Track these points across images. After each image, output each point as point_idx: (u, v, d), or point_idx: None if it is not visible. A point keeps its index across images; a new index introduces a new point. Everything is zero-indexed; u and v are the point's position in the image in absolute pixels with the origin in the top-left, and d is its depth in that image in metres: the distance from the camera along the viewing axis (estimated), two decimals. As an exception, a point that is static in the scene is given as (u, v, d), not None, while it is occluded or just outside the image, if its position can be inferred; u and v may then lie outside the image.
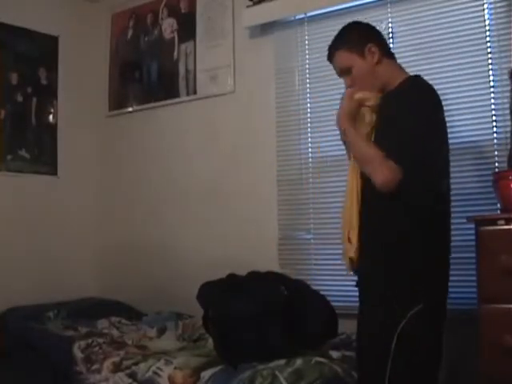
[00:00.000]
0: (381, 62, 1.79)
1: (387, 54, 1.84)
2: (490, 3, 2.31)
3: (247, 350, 1.99)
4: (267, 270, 2.22)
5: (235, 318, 2.00)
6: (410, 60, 2.48)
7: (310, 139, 2.77)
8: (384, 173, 1.60)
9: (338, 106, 2.20)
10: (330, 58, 1.88)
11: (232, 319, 2.01)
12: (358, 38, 1.81)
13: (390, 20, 2.55)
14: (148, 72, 3.39)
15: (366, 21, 2.00)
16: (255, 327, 1.99)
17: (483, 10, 2.33)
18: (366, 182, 1.71)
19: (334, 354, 2.08)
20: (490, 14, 2.31)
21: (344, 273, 2.37)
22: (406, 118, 1.64)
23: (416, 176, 1.61)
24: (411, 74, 2.44)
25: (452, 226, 2.29)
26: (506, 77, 2.17)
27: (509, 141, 2.07)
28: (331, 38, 1.94)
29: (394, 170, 1.59)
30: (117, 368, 2.18)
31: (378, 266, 1.70)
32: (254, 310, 1.98)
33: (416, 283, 1.63)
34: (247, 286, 2.13)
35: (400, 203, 1.64)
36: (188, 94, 3.20)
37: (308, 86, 2.77)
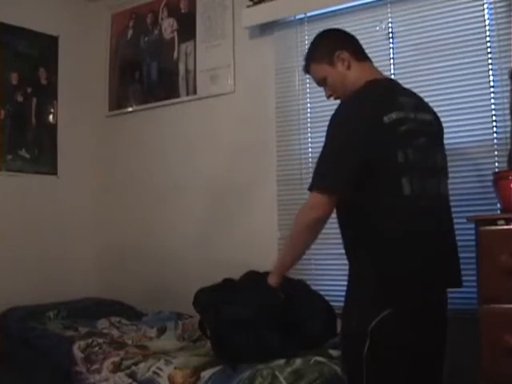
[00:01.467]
0: (351, 68, 1.80)
1: (359, 57, 1.82)
2: (490, 3, 2.31)
3: (245, 355, 1.98)
4: (266, 271, 2.21)
5: (229, 323, 1.99)
6: (410, 60, 2.49)
7: (310, 139, 2.77)
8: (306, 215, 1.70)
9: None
10: (307, 71, 1.92)
11: (226, 325, 2.00)
12: (326, 48, 1.83)
13: (390, 20, 2.55)
14: (148, 72, 3.40)
15: (333, 28, 2.01)
16: (251, 332, 1.98)
17: (483, 10, 2.33)
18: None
19: (334, 352, 2.07)
20: (490, 14, 2.31)
21: (344, 273, 2.37)
22: (327, 136, 1.69)
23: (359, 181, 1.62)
24: (411, 74, 2.48)
25: (452, 226, 2.32)
26: (506, 77, 2.17)
27: (509, 141, 2.07)
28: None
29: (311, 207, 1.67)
30: (117, 368, 2.18)
31: (353, 269, 1.71)
32: (249, 315, 1.97)
33: (388, 286, 1.60)
34: (242, 290, 2.12)
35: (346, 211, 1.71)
36: (188, 94, 3.20)
37: (308, 86, 2.77)
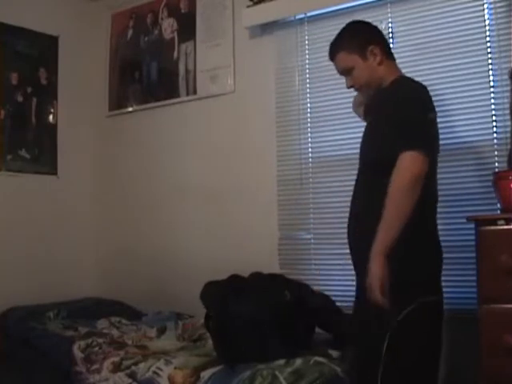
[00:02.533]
0: (382, 64, 1.83)
1: (388, 55, 1.86)
2: (490, 3, 2.31)
3: (246, 353, 1.98)
4: (271, 272, 2.22)
5: (236, 320, 1.99)
6: (410, 60, 2.48)
7: (310, 139, 2.77)
8: (408, 171, 1.60)
9: (337, 106, 2.23)
10: (332, 57, 1.91)
11: (232, 321, 2.00)
12: (360, 40, 1.83)
13: (390, 20, 2.55)
14: (148, 72, 3.39)
15: (366, 21, 2.01)
16: (255, 331, 1.98)
17: (483, 10, 2.32)
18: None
19: (334, 353, 2.07)
20: (490, 14, 2.31)
21: (344, 272, 2.38)
22: (397, 112, 1.68)
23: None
24: (411, 74, 2.47)
25: (452, 226, 2.32)
26: (506, 77, 2.17)
27: (509, 141, 2.07)
28: (331, 38, 1.96)
29: (413, 163, 1.60)
30: (117, 368, 2.18)
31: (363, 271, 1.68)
32: (254, 314, 1.98)
33: (408, 283, 1.62)
34: (251, 288, 2.12)
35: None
36: (188, 93, 3.20)
37: (308, 86, 2.77)
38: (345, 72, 1.89)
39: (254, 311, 1.98)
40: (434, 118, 1.76)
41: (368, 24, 1.97)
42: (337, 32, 1.96)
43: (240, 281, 2.17)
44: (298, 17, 2.80)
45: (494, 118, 2.28)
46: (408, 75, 2.45)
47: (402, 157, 1.60)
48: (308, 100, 2.78)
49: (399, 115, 1.67)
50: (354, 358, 1.80)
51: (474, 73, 2.33)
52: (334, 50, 1.89)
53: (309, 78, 2.77)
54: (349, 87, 1.91)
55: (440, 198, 2.35)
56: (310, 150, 2.77)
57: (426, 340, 1.64)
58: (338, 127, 2.63)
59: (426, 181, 1.65)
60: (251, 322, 1.98)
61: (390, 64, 1.86)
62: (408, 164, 1.59)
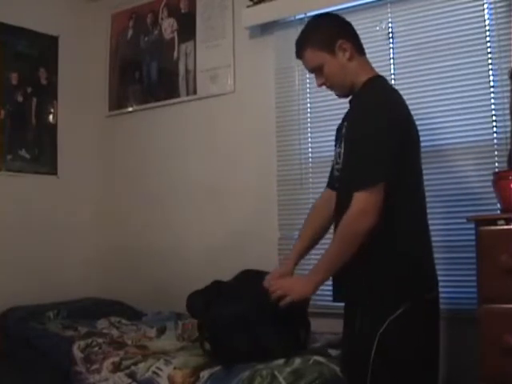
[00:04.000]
0: (352, 59, 1.72)
1: (360, 51, 1.76)
2: (490, 3, 2.31)
3: (242, 353, 1.97)
4: (261, 270, 2.21)
5: (221, 321, 1.99)
6: (410, 60, 2.49)
7: (310, 139, 2.77)
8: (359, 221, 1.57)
9: (337, 106, 2.22)
10: (299, 55, 1.80)
11: (219, 325, 2.00)
12: (328, 35, 1.72)
13: (390, 20, 2.55)
14: (148, 72, 3.39)
15: (334, 13, 1.96)
16: (244, 329, 1.97)
17: (483, 10, 2.32)
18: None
19: (333, 352, 2.07)
20: (490, 14, 2.31)
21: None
22: (359, 129, 1.62)
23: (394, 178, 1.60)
24: (411, 74, 2.48)
25: (452, 226, 2.33)
26: (506, 77, 2.17)
27: (509, 141, 2.07)
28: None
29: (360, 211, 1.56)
30: (116, 368, 2.18)
31: (353, 271, 1.66)
32: (239, 312, 1.97)
33: (394, 286, 1.60)
34: (233, 288, 2.12)
35: None
36: (188, 94, 3.20)
37: (308, 86, 2.77)
38: (314, 70, 1.77)
39: (239, 310, 1.97)
40: (403, 122, 1.66)
41: (336, 17, 1.84)
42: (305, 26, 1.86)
43: (222, 285, 2.17)
44: (297, 17, 2.79)
45: (494, 117, 2.28)
46: (408, 75, 2.48)
47: (356, 197, 1.57)
48: (308, 100, 2.78)
49: (360, 145, 1.60)
50: (344, 358, 1.79)
51: (474, 73, 2.33)
52: (300, 47, 1.77)
53: (309, 78, 2.76)
54: (319, 85, 1.79)
55: (440, 198, 2.37)
56: (309, 150, 2.77)
57: (419, 339, 1.61)
58: (337, 127, 2.63)
59: (410, 180, 1.67)
60: (236, 321, 1.96)
61: (362, 60, 1.75)
62: (362, 209, 1.56)
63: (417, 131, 1.76)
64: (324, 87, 1.81)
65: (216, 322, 2.00)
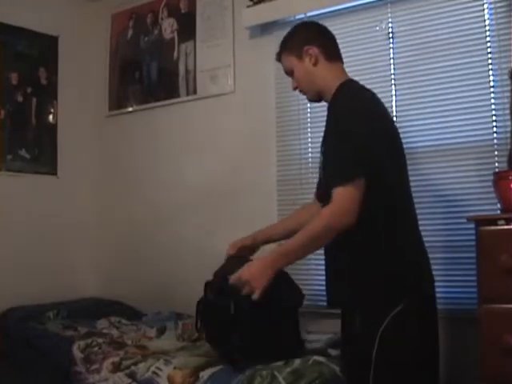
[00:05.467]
0: (317, 64, 1.78)
1: (330, 57, 1.80)
2: (490, 3, 2.31)
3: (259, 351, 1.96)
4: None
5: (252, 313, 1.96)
6: (410, 60, 2.49)
7: (309, 139, 2.77)
8: (334, 216, 1.57)
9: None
10: (278, 59, 1.91)
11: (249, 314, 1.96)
12: (297, 41, 1.82)
13: (390, 20, 2.55)
14: (148, 72, 3.39)
15: (314, 21, 2.00)
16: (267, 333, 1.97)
17: (483, 10, 2.32)
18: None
19: (333, 352, 2.07)
20: (490, 14, 2.31)
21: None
22: (338, 132, 1.64)
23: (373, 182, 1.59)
24: (411, 73, 2.48)
25: (452, 226, 2.33)
26: (506, 77, 2.17)
27: (509, 141, 2.07)
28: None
29: (338, 202, 1.56)
30: (116, 368, 2.18)
31: (347, 271, 1.68)
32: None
33: (389, 284, 1.60)
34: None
35: None
36: (188, 93, 3.20)
37: (308, 86, 2.77)
38: (288, 73, 1.87)
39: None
40: (378, 120, 1.67)
41: (310, 24, 1.94)
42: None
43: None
44: (297, 17, 2.79)
45: (494, 118, 2.28)
46: (408, 75, 2.48)
47: (336, 194, 1.58)
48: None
49: (338, 146, 1.63)
50: (345, 361, 1.79)
51: (474, 73, 2.33)
52: (278, 51, 1.89)
53: (309, 78, 2.76)
54: (293, 89, 1.89)
55: (440, 198, 2.37)
56: (309, 150, 2.76)
57: (418, 337, 1.61)
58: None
59: (393, 179, 1.67)
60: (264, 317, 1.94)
61: (331, 66, 1.79)
62: (344, 209, 1.56)
63: (394, 128, 1.77)
64: (297, 91, 1.90)
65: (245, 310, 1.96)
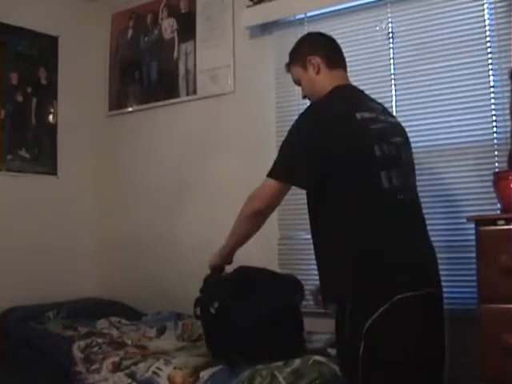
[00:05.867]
0: (319, 73, 1.86)
1: (331, 64, 1.87)
2: (490, 3, 2.31)
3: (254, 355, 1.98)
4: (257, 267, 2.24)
5: (242, 321, 1.98)
6: (410, 60, 2.49)
7: (309, 139, 2.76)
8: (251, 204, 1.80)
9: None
10: (288, 70, 2.00)
11: (238, 323, 1.99)
12: (302, 51, 1.91)
13: (390, 20, 2.55)
14: (148, 72, 3.40)
15: (319, 31, 2.03)
16: (264, 333, 1.98)
17: (483, 10, 2.32)
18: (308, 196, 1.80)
19: (333, 352, 2.07)
20: (490, 14, 2.31)
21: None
22: (288, 133, 1.78)
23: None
24: (411, 73, 2.48)
25: (452, 226, 2.33)
26: (506, 77, 2.17)
27: (509, 141, 2.07)
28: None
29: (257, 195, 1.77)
30: (116, 368, 2.18)
31: (328, 272, 1.71)
32: (265, 316, 1.98)
33: (382, 280, 1.59)
34: (260, 287, 2.10)
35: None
36: (188, 93, 3.20)
37: (308, 86, 2.77)
38: (297, 83, 1.97)
39: (263, 312, 2.00)
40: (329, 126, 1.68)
41: (313, 35, 2.03)
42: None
43: (247, 276, 2.15)
44: (297, 17, 2.79)
45: (494, 118, 2.28)
46: (408, 75, 2.49)
47: (264, 182, 1.76)
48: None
49: (288, 135, 1.77)
50: (339, 361, 1.79)
51: (474, 73, 2.33)
52: (288, 63, 1.98)
53: (309, 78, 2.76)
54: (303, 98, 1.98)
55: (440, 198, 2.37)
56: (309, 150, 2.76)
57: (403, 338, 1.58)
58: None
59: (360, 183, 1.66)
60: (259, 324, 1.99)
61: (331, 73, 1.86)
62: (261, 194, 1.78)
63: (360, 131, 1.70)
64: (306, 99, 1.97)
65: (235, 320, 1.99)
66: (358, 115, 1.68)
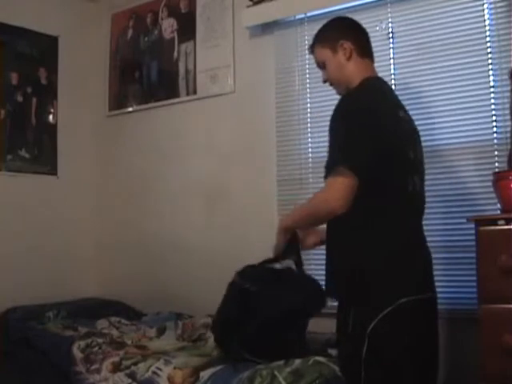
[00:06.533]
0: (350, 59, 1.79)
1: (362, 52, 1.81)
2: (490, 3, 2.31)
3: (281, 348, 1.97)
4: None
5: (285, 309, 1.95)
6: (410, 60, 2.49)
7: (309, 139, 2.77)
8: (330, 194, 1.62)
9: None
10: (311, 51, 1.92)
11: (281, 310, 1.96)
12: (333, 34, 1.83)
13: (390, 20, 2.55)
14: (148, 72, 3.39)
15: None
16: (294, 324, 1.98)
17: (483, 10, 2.32)
18: None
19: (333, 352, 2.07)
20: (490, 14, 2.31)
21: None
22: (337, 126, 1.67)
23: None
24: (411, 73, 2.48)
25: (452, 226, 2.33)
26: (506, 77, 2.17)
27: (509, 141, 2.07)
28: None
29: (334, 184, 1.60)
30: (116, 368, 2.18)
31: (338, 271, 1.70)
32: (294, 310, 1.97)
33: (381, 285, 1.59)
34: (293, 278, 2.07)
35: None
36: (188, 94, 3.20)
37: (308, 86, 2.77)
38: (320, 65, 1.87)
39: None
40: (378, 126, 1.64)
41: (348, 20, 1.94)
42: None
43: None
44: (297, 17, 2.80)
45: (494, 118, 2.28)
46: (408, 75, 2.48)
47: (333, 179, 1.61)
48: (308, 100, 2.78)
49: (336, 129, 1.67)
50: (341, 360, 1.79)
51: (474, 73, 2.33)
52: (312, 43, 1.90)
53: (309, 78, 2.77)
54: (323, 82, 1.89)
55: (440, 198, 2.37)
56: (309, 150, 2.76)
57: (408, 339, 1.59)
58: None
59: (391, 183, 1.64)
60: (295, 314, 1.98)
61: (362, 62, 1.79)
62: (340, 194, 1.59)
63: (402, 129, 1.71)
64: (327, 84, 1.89)
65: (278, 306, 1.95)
66: (400, 113, 1.69)
